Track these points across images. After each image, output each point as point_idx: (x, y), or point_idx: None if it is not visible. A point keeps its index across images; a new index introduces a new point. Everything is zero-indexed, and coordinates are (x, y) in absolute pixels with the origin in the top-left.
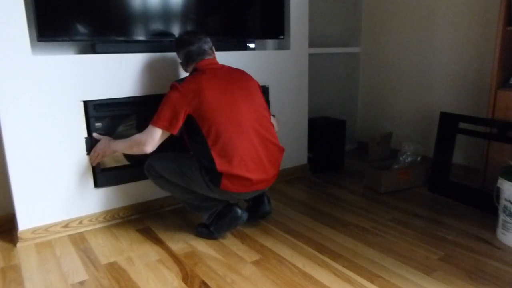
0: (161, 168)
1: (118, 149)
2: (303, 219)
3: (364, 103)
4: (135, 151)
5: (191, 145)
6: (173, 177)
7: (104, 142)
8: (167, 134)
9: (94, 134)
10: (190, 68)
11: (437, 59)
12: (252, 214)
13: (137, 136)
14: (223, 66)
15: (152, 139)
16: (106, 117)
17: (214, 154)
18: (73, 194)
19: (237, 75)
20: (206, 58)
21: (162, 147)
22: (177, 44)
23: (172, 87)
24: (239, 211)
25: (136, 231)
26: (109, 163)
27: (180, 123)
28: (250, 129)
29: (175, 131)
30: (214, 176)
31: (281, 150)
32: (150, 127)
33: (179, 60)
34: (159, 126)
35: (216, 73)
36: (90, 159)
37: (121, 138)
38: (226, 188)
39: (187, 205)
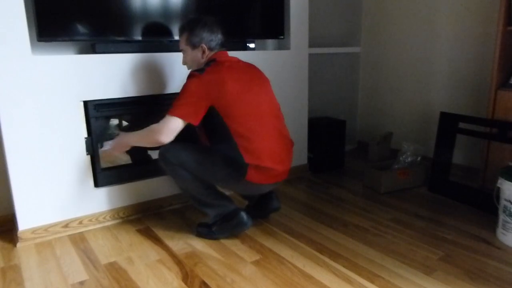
0: (182, 155)
1: (132, 142)
2: (303, 219)
3: (364, 103)
4: (150, 142)
5: (211, 137)
6: (193, 165)
7: (117, 139)
8: (185, 124)
9: (106, 146)
10: (204, 57)
11: (437, 59)
12: (262, 212)
13: (153, 126)
14: (238, 60)
15: (169, 129)
16: (106, 117)
17: (239, 146)
18: (73, 194)
19: (254, 70)
20: (222, 50)
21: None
22: (197, 26)
23: (193, 76)
24: (245, 217)
25: (136, 231)
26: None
27: (202, 113)
28: (270, 123)
29: (197, 122)
30: (239, 167)
31: (292, 144)
32: (168, 116)
33: (184, 44)
34: (178, 116)
35: (235, 67)
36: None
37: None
38: (251, 179)
39: (196, 201)
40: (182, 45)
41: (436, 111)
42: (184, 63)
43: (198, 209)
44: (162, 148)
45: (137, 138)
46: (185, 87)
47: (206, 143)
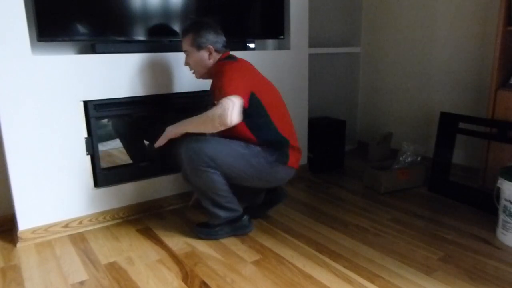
0: (218, 155)
1: (188, 129)
2: (303, 219)
3: (364, 103)
4: (215, 127)
5: (253, 126)
6: (232, 159)
7: (170, 128)
8: (241, 104)
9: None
10: (211, 58)
11: (437, 59)
12: (270, 204)
13: (214, 111)
14: None
15: (233, 107)
16: (106, 117)
17: (279, 129)
18: (73, 194)
19: None
20: (227, 50)
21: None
22: (202, 27)
23: (227, 64)
24: (247, 220)
25: (136, 231)
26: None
27: (248, 97)
28: (286, 111)
29: (247, 103)
30: (281, 153)
31: None
32: (225, 98)
33: (189, 45)
34: (236, 94)
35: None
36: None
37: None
38: (291, 165)
39: (212, 203)
40: (187, 47)
41: (436, 111)
42: (187, 64)
43: (209, 210)
44: (193, 147)
45: (194, 125)
46: (225, 74)
47: (243, 136)
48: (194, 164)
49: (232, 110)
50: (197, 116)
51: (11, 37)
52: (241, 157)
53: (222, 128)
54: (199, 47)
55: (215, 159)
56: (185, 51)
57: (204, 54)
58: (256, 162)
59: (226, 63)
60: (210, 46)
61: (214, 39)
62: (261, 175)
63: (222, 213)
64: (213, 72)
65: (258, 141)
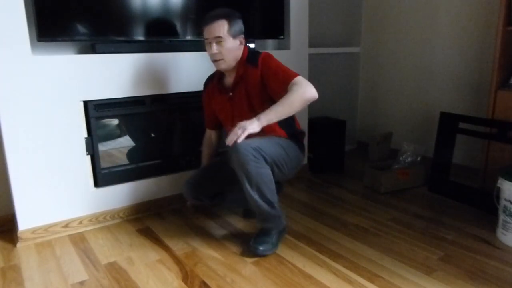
0: (270, 151)
1: (274, 119)
2: (303, 219)
3: (364, 103)
4: (298, 107)
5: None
6: (277, 156)
7: (247, 123)
8: None
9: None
10: (240, 48)
11: (437, 59)
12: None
13: (296, 91)
14: None
15: (307, 81)
16: (106, 117)
17: (296, 121)
18: (73, 194)
19: None
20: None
21: None
22: (234, 16)
23: (268, 53)
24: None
25: (136, 231)
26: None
27: None
28: None
29: None
30: (301, 145)
31: None
32: (295, 79)
33: (226, 32)
34: (298, 74)
35: None
36: (229, 140)
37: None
38: (305, 154)
39: (270, 205)
40: (222, 33)
41: (436, 111)
42: (218, 51)
43: (267, 218)
44: (251, 147)
45: (282, 111)
46: (276, 63)
47: (272, 130)
48: (256, 162)
49: (309, 83)
50: (280, 103)
51: (11, 37)
52: (285, 152)
53: (312, 101)
54: (234, 36)
55: (266, 158)
56: (217, 37)
57: (237, 42)
58: (291, 155)
59: (267, 53)
60: (242, 36)
61: (243, 31)
62: (292, 165)
63: (278, 213)
64: (249, 69)
65: (285, 135)
